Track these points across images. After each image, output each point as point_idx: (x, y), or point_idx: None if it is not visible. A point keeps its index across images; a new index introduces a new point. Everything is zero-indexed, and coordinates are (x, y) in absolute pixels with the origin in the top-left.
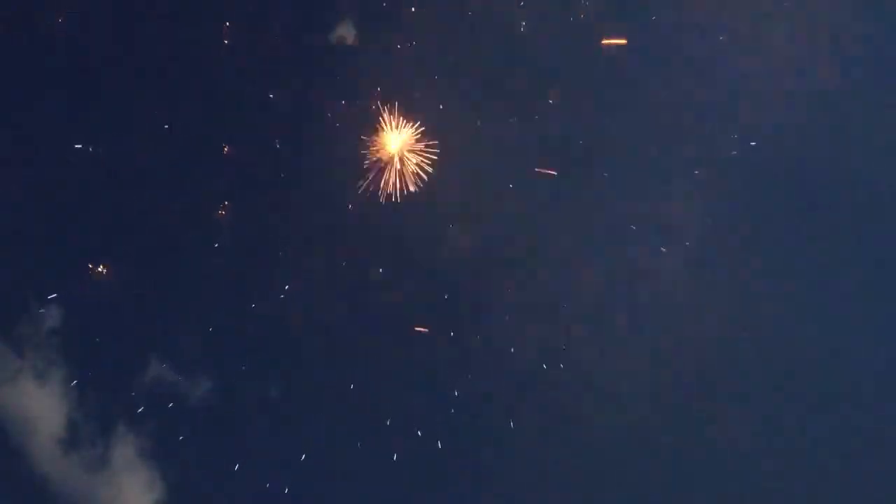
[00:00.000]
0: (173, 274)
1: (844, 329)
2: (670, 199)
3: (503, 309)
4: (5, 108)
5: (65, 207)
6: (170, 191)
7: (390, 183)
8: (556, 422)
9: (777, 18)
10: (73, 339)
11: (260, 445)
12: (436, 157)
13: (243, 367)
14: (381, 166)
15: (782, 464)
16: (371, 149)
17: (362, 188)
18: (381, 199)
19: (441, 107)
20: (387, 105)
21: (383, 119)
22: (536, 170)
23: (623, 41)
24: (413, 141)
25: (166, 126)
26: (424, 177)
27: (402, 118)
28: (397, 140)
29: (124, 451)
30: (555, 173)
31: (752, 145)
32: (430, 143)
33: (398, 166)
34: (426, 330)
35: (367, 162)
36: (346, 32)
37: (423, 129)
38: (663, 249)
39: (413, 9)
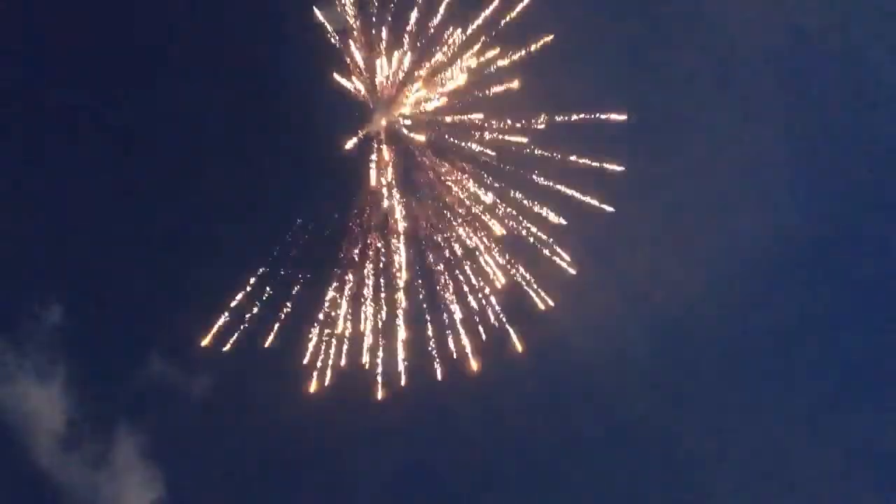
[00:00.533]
0: (174, 273)
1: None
2: None
3: None
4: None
5: (65, 206)
6: (170, 190)
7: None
8: None
9: None
10: (73, 337)
11: (260, 444)
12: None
13: (244, 366)
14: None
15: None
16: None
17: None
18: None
19: None
20: None
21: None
22: None
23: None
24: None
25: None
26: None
27: None
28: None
29: (125, 448)
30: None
31: None
32: None
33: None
34: None
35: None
36: None
37: None
38: None
39: None
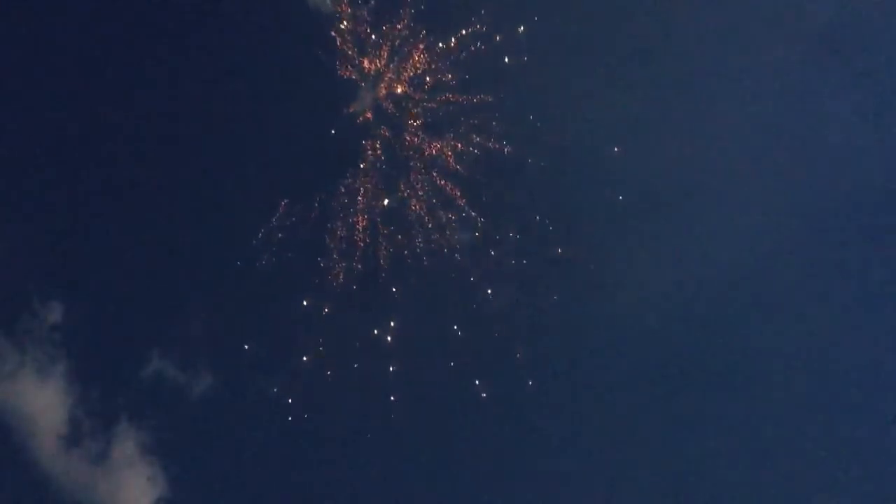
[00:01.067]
0: (174, 271)
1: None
2: None
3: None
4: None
5: (65, 204)
6: (171, 187)
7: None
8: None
9: None
10: (74, 335)
11: (261, 442)
12: None
13: (244, 364)
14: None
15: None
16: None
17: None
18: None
19: None
20: None
21: None
22: None
23: None
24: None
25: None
26: None
27: None
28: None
29: (125, 446)
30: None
31: None
32: None
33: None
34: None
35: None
36: None
37: None
38: None
39: None
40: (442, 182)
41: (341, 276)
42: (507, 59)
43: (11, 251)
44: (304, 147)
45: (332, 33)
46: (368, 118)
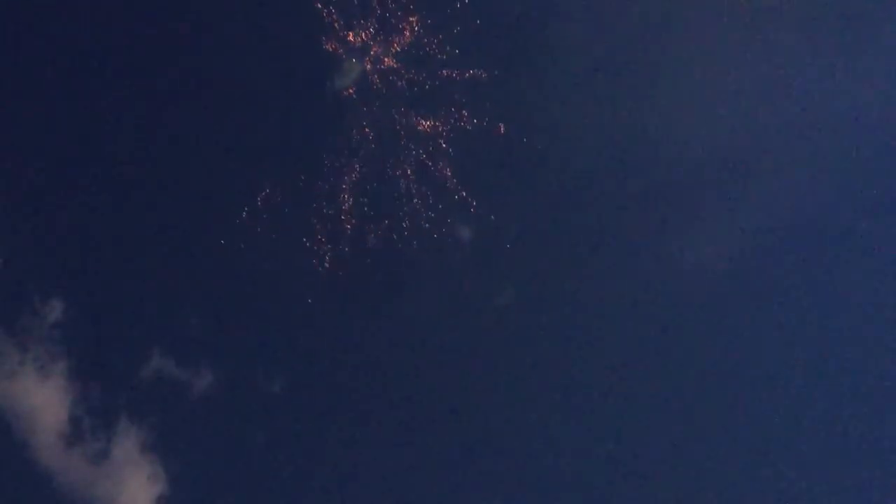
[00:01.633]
0: (175, 268)
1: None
2: None
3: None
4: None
5: (66, 202)
6: (171, 185)
7: None
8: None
9: None
10: (75, 332)
11: (261, 440)
12: None
13: (245, 362)
14: None
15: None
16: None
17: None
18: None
19: None
20: None
21: None
22: None
23: None
24: None
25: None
26: None
27: None
28: None
29: (126, 444)
30: None
31: None
32: None
33: None
34: None
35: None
36: None
37: None
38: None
39: None
40: (431, 161)
41: (327, 262)
42: (502, 34)
43: (12, 249)
44: (287, 125)
45: (317, 4)
46: (352, 94)
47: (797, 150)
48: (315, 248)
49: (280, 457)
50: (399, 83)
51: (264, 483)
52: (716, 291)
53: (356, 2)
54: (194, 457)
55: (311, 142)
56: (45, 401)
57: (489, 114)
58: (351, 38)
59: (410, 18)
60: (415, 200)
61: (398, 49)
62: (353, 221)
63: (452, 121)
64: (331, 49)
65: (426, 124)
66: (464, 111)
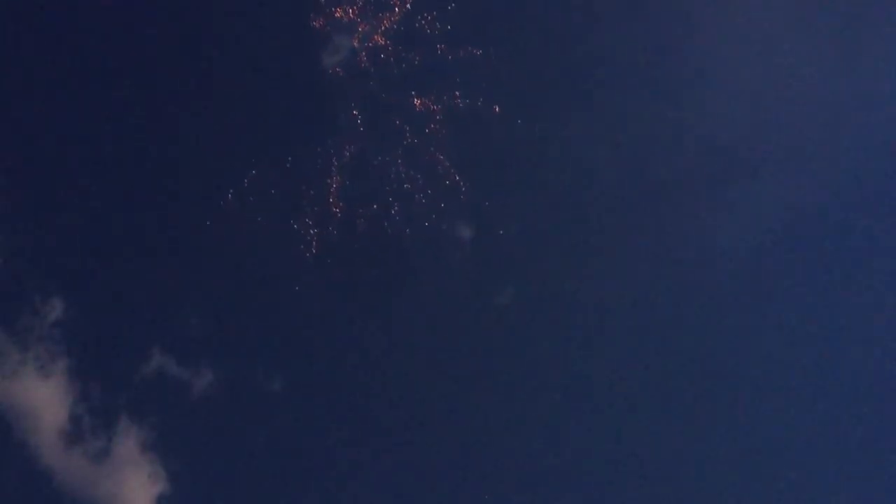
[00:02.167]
0: (175, 266)
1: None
2: None
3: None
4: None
5: (66, 199)
6: (171, 182)
7: None
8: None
9: None
10: (75, 331)
11: (262, 439)
12: None
13: (245, 361)
14: None
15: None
16: None
17: None
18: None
19: None
20: None
21: None
22: None
23: None
24: None
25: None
26: None
27: None
28: None
29: (127, 443)
30: None
31: None
32: None
33: None
34: None
35: None
36: None
37: None
38: None
39: None
40: (422, 143)
41: (314, 246)
42: (497, 9)
43: (12, 248)
44: (274, 104)
45: None
46: (340, 73)
47: (797, 149)
48: (302, 232)
49: (280, 455)
50: (389, 61)
51: (264, 482)
52: (716, 291)
53: None
54: (194, 456)
55: (296, 124)
56: (46, 400)
57: (483, 94)
58: (339, 13)
59: None
60: (405, 186)
61: (388, 26)
62: (341, 205)
63: (445, 100)
64: (317, 26)
65: (417, 104)
66: (457, 91)
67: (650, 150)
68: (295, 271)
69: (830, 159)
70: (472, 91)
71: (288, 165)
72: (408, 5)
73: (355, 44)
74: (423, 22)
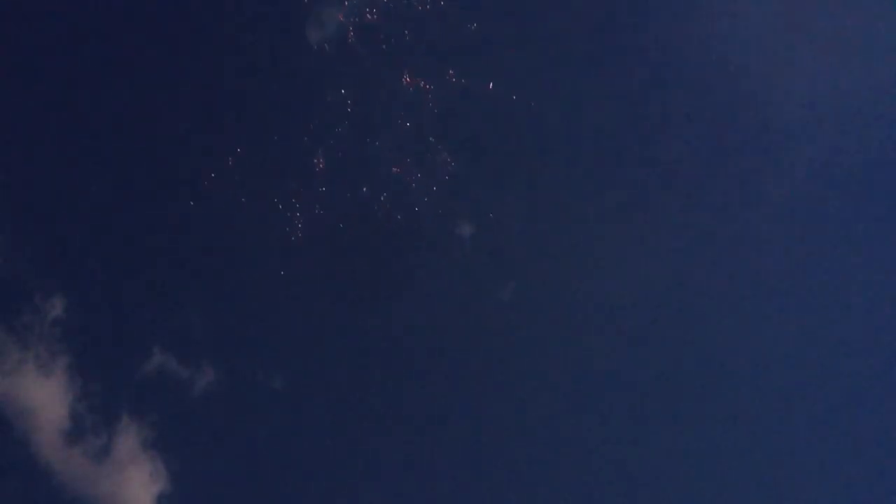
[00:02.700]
0: (176, 264)
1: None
2: None
3: None
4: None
5: (66, 198)
6: (172, 181)
7: None
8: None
9: None
10: (75, 329)
11: (264, 437)
12: None
13: (247, 358)
14: None
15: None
16: None
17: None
18: None
19: None
20: None
21: None
22: None
23: None
24: None
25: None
26: None
27: None
28: None
29: (128, 442)
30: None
31: None
32: None
33: None
34: None
35: None
36: None
37: None
38: None
39: None
40: (414, 123)
41: (300, 231)
42: None
43: (12, 245)
44: (258, 84)
45: None
46: (327, 48)
47: (797, 149)
48: (289, 215)
49: (282, 454)
50: (379, 37)
51: (266, 480)
52: (716, 290)
53: None
54: (196, 454)
55: (282, 102)
56: (46, 398)
57: (478, 71)
58: None
59: None
60: (393, 169)
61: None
62: (333, 194)
63: (437, 78)
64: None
65: (408, 82)
66: (450, 69)
67: (656, 134)
68: (295, 270)
69: (830, 159)
70: (466, 68)
71: (276, 153)
72: None
73: (342, 18)
74: None
